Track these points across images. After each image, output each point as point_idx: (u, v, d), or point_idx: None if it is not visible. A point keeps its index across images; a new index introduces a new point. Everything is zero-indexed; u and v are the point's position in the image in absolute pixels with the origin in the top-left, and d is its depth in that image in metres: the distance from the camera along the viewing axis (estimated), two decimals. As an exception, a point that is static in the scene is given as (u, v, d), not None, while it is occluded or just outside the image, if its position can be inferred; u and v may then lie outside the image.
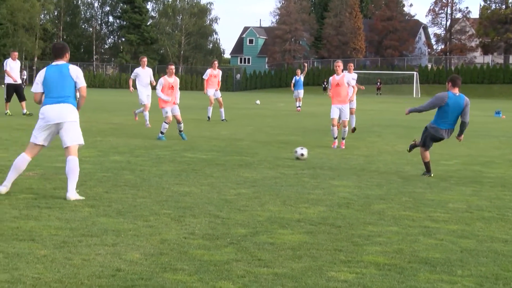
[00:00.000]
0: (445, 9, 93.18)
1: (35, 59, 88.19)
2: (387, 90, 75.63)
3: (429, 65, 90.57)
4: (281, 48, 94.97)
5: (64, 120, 7.97)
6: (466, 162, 12.87)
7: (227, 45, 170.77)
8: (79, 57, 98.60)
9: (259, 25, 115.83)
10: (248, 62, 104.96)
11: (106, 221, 6.63)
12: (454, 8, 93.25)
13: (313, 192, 8.81)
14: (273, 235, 6.33)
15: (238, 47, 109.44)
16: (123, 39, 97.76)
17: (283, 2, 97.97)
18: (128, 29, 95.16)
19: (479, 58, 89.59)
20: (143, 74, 20.18)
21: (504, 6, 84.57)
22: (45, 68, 8.27)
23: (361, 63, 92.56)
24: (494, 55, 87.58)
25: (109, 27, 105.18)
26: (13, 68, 22.14)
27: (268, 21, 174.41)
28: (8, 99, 22.34)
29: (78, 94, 8.29)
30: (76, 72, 8.13)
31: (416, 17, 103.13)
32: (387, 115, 31.19)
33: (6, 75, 22.15)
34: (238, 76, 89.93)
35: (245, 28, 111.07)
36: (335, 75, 15.22)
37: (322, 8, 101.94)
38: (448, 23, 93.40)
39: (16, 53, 22.96)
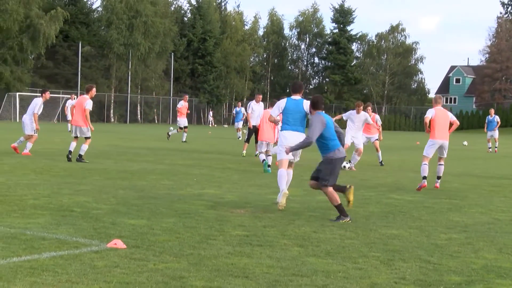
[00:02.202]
0: None
1: (245, 99, 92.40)
2: None
3: None
4: (491, 87, 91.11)
5: None
6: None
7: (432, 85, 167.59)
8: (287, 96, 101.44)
9: (466, 64, 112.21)
10: (455, 102, 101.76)
11: (315, 261, 6.67)
12: None
13: (531, 241, 8.24)
14: (490, 285, 5.98)
15: (444, 87, 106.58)
16: (328, 80, 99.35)
17: (494, 40, 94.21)
18: (332, 70, 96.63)
19: None
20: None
21: None
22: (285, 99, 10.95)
23: None
24: None
25: (315, 68, 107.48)
26: (255, 110, 22.66)
27: (477, 59, 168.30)
28: (248, 140, 22.70)
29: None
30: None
31: None
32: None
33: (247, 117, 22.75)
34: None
35: (452, 67, 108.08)
36: None
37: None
38: None
39: (260, 96, 23.73)
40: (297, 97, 10.88)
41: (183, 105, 30.35)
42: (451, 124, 14.48)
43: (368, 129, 19.67)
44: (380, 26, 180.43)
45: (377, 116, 20.45)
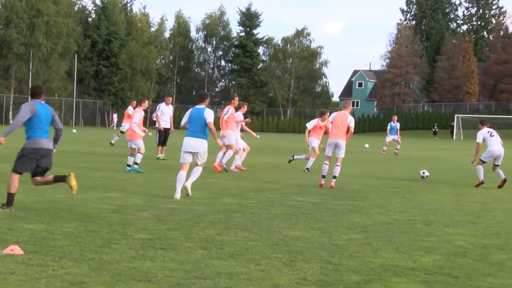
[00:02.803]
0: None
1: (150, 102, 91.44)
2: (501, 135, 73.01)
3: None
4: (391, 91, 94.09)
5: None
6: None
7: (336, 88, 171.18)
8: (191, 100, 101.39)
9: (368, 69, 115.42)
10: (357, 106, 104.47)
11: (218, 264, 6.69)
12: None
13: (427, 240, 8.56)
14: (387, 283, 6.17)
15: (347, 90, 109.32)
16: (234, 82, 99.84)
17: (394, 45, 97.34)
18: (239, 73, 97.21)
19: None
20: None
21: None
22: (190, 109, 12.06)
23: (474, 107, 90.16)
24: None
25: (221, 71, 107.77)
26: (165, 113, 22.50)
27: (378, 64, 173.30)
28: (159, 143, 22.41)
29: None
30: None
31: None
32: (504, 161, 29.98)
33: (156, 120, 22.55)
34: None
35: (355, 71, 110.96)
36: None
37: (434, 52, 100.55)
38: None
39: (170, 98, 23.53)
40: (200, 106, 12.09)
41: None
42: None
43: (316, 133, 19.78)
44: (286, 30, 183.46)
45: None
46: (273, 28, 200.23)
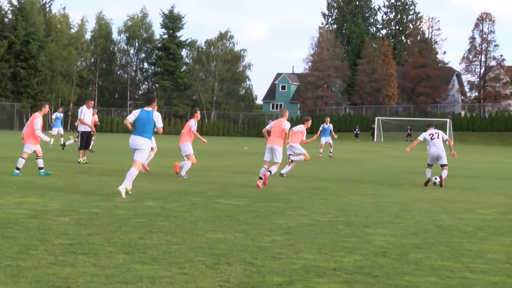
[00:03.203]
0: (479, 56, 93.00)
1: (71, 105, 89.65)
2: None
3: (463, 112, 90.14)
4: (314, 94, 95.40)
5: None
6: (504, 211, 12.64)
7: (259, 91, 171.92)
8: (114, 102, 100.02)
9: (291, 72, 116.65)
10: (280, 108, 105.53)
11: (141, 268, 6.62)
12: (488, 56, 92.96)
13: (348, 240, 8.72)
14: (309, 284, 6.25)
15: (271, 93, 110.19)
16: (157, 85, 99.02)
17: (316, 49, 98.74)
18: (162, 76, 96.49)
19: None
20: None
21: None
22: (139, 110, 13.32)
23: (394, 109, 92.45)
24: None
25: (144, 73, 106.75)
26: (87, 116, 22.18)
27: (301, 67, 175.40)
28: (81, 147, 22.10)
29: None
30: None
31: (449, 65, 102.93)
32: (419, 162, 30.91)
33: (80, 123, 22.15)
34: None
35: (278, 75, 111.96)
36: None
37: (355, 55, 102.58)
38: (482, 70, 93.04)
39: (92, 102, 23.00)
40: (149, 108, 13.34)
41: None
42: None
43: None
44: (210, 33, 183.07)
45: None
46: (196, 30, 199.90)
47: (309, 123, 19.72)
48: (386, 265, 7.21)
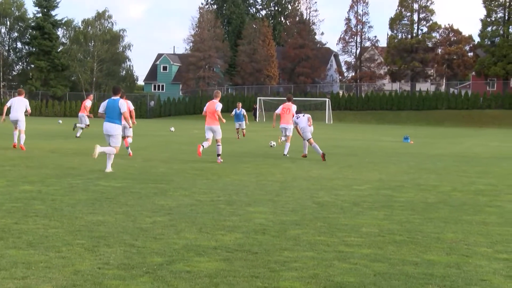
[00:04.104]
0: (355, 37, 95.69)
1: None
2: (300, 116, 76.71)
3: (341, 92, 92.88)
4: (195, 75, 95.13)
5: None
6: (378, 187, 13.19)
7: (140, 72, 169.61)
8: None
9: (173, 52, 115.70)
10: (162, 89, 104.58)
11: (15, 254, 6.41)
12: (363, 37, 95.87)
13: (229, 219, 8.82)
14: (189, 263, 6.28)
15: (152, 74, 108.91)
16: (33, 66, 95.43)
17: (197, 29, 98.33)
18: (37, 56, 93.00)
19: (387, 85, 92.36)
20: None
21: (409, 36, 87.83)
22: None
23: (275, 90, 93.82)
24: (402, 82, 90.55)
25: (18, 53, 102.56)
26: None
27: (182, 48, 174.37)
28: None
29: None
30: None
31: (327, 45, 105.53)
32: (300, 141, 31.63)
33: None
34: (152, 103, 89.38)
35: (159, 55, 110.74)
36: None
37: (236, 36, 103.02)
38: (358, 51, 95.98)
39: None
40: (115, 97, 15.11)
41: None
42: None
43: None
44: (86, 13, 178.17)
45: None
46: (73, 9, 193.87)
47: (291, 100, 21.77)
48: (265, 242, 7.35)
